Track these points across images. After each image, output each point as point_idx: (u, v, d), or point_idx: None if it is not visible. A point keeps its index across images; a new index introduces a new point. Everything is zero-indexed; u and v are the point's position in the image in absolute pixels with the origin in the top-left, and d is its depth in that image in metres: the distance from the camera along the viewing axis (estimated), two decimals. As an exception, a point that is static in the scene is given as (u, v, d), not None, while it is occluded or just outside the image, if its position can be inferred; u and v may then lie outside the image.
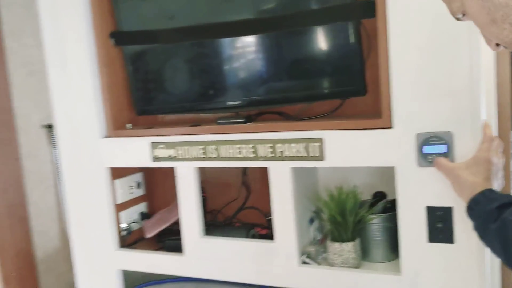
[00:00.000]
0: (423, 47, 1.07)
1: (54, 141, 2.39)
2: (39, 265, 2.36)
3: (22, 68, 2.29)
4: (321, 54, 1.26)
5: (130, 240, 1.58)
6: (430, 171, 1.09)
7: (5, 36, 2.20)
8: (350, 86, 1.22)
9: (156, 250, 1.51)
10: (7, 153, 2.18)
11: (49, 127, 2.40)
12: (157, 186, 1.72)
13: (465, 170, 1.00)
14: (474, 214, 0.94)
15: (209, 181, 1.60)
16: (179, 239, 1.43)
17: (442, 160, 1.05)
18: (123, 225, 1.56)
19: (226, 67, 1.37)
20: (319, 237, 1.39)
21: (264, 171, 1.31)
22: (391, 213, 1.25)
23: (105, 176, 1.50)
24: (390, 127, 1.12)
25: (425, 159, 1.09)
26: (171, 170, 1.42)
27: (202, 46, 1.38)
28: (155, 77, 1.47)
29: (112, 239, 1.51)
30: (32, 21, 2.33)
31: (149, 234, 1.51)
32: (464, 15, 0.71)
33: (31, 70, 2.33)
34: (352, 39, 1.20)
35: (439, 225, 1.10)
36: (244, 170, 1.52)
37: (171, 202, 1.68)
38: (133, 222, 1.60)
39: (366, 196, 1.33)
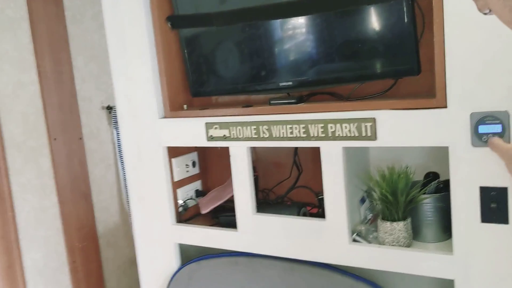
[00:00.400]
0: (479, 24, 1.05)
1: (114, 122, 2.51)
2: (100, 239, 2.50)
3: (83, 52, 2.40)
4: (373, 33, 1.25)
5: (186, 215, 1.65)
6: (485, 151, 1.07)
7: (68, 22, 2.32)
8: (403, 66, 1.21)
9: (211, 225, 1.58)
10: (71, 134, 2.31)
11: (109, 108, 2.52)
12: (210, 165, 1.79)
13: None
14: None
15: (260, 161, 1.64)
16: (233, 216, 1.49)
17: (497, 140, 1.03)
18: (180, 202, 1.64)
19: (277, 48, 1.39)
20: (369, 216, 1.41)
21: (315, 150, 1.33)
22: (443, 193, 1.24)
23: (163, 155, 1.57)
24: (445, 107, 1.11)
25: (480, 139, 1.07)
26: (224, 150, 1.47)
27: (254, 28, 1.41)
28: (209, 60, 1.52)
29: (170, 214, 1.59)
30: (92, 6, 2.45)
31: (205, 211, 1.57)
32: (490, 10, 0.71)
33: (91, 54, 2.45)
34: (405, 17, 1.18)
35: (493, 206, 1.09)
36: (295, 150, 1.55)
37: (224, 180, 1.74)
38: (189, 199, 1.67)
39: (418, 176, 1.33)
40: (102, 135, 2.51)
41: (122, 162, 2.57)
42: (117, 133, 2.54)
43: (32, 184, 2.15)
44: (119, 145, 2.55)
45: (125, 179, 2.58)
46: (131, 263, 2.69)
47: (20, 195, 2.10)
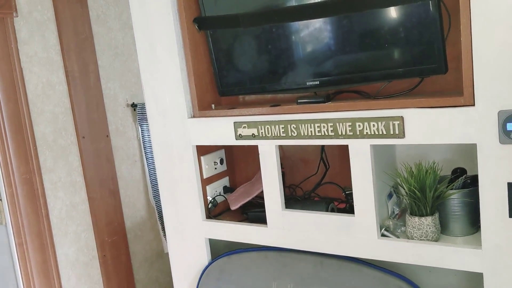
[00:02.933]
0: (506, 22, 1.06)
1: (138, 119, 2.57)
2: (128, 233, 2.57)
3: (108, 51, 2.46)
4: (400, 32, 1.27)
5: (216, 211, 1.70)
6: (513, 148, 1.10)
7: (92, 22, 2.37)
8: (430, 64, 1.23)
9: (240, 221, 1.63)
10: (99, 131, 2.37)
11: (134, 106, 2.57)
12: (237, 162, 1.83)
13: None
14: None
15: (287, 157, 1.68)
16: (262, 212, 1.53)
17: None
18: (209, 198, 1.69)
19: (303, 47, 1.42)
20: (397, 211, 1.44)
21: (341, 147, 1.37)
22: (471, 188, 1.27)
23: (193, 153, 1.61)
24: (472, 105, 1.13)
25: (508, 136, 1.10)
26: (250, 147, 1.50)
27: (281, 28, 1.44)
28: (236, 60, 1.55)
29: (201, 210, 1.64)
30: (116, 6, 2.49)
31: (235, 207, 1.62)
32: None
33: (115, 53, 2.50)
34: (432, 16, 1.20)
35: (522, 201, 1.11)
36: (322, 146, 1.58)
37: (251, 176, 1.78)
38: (217, 195, 1.72)
39: (445, 172, 1.36)
40: (128, 132, 2.57)
41: (147, 159, 2.63)
42: (142, 130, 2.60)
43: (63, 182, 2.22)
44: (144, 142, 2.61)
45: (150, 175, 2.64)
46: (158, 256, 2.76)
47: (52, 193, 2.17)
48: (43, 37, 2.15)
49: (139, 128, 2.59)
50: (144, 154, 2.62)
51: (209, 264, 1.66)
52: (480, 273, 1.20)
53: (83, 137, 2.29)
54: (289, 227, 1.47)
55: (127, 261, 2.55)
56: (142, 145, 2.61)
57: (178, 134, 1.62)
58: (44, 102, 2.15)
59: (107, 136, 2.42)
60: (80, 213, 2.29)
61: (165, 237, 2.73)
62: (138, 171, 2.63)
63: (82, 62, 2.30)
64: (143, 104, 2.59)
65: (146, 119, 2.59)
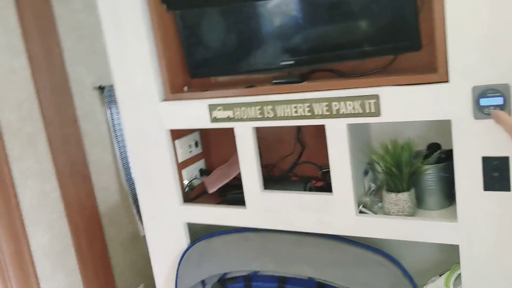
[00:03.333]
0: (479, -1, 1.07)
1: (107, 102, 2.50)
2: (103, 218, 2.53)
3: (72, 33, 2.37)
4: (373, 9, 1.26)
5: (193, 195, 1.69)
6: (487, 123, 1.12)
7: (54, 3, 2.27)
8: (404, 41, 1.23)
9: (218, 203, 1.62)
10: (66, 116, 2.30)
11: (101, 89, 2.50)
12: (212, 143, 1.81)
13: None
14: None
15: (263, 137, 1.67)
16: (240, 193, 1.52)
17: (503, 114, 1.07)
18: (185, 182, 1.67)
19: (276, 26, 1.40)
20: (373, 187, 1.46)
21: (317, 127, 1.36)
22: (445, 163, 1.29)
23: (166, 137, 1.58)
24: (447, 81, 1.14)
25: (482, 112, 1.11)
26: (225, 129, 1.49)
27: (251, 7, 1.41)
28: (207, 40, 1.52)
29: (177, 195, 1.62)
30: (77, -14, 2.39)
31: (212, 189, 1.61)
32: None
33: (80, 35, 2.41)
34: (404, -8, 1.20)
35: (495, 174, 1.14)
36: (298, 126, 1.58)
37: (227, 158, 1.77)
38: (194, 179, 1.70)
39: (420, 147, 1.38)
40: (97, 116, 2.50)
41: (118, 142, 2.57)
42: (111, 113, 2.54)
43: (32, 170, 2.15)
44: (114, 125, 2.55)
45: (122, 159, 2.60)
46: (134, 239, 2.74)
47: (22, 182, 2.10)
48: (3, 21, 2.05)
49: (108, 111, 2.53)
50: (114, 138, 2.57)
51: (189, 247, 1.65)
52: (456, 245, 1.24)
53: (50, 123, 2.22)
54: (268, 208, 1.47)
55: (103, 247, 2.52)
56: (112, 128, 2.56)
57: (150, 118, 1.59)
58: (7, 89, 2.06)
59: (75, 121, 2.35)
60: (52, 200, 2.24)
61: (140, 220, 2.71)
62: (109, 155, 2.58)
63: (45, 45, 2.21)
64: (111, 86, 2.52)
65: (114, 102, 2.53)
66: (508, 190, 1.13)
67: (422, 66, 1.32)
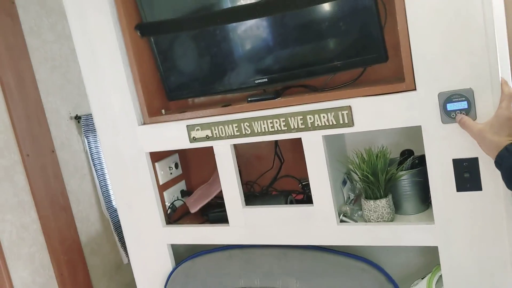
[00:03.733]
0: (438, 8, 1.13)
1: (84, 131, 2.50)
2: (84, 248, 2.50)
3: (45, 63, 2.38)
4: (339, 26, 1.31)
5: (175, 216, 1.70)
6: (454, 126, 1.17)
7: (26, 35, 2.28)
8: (371, 54, 1.29)
9: (200, 223, 1.63)
10: (43, 147, 2.29)
11: (77, 118, 2.50)
12: (192, 164, 1.83)
13: (489, 131, 1.07)
14: (501, 167, 1.05)
15: (241, 155, 1.70)
16: (222, 211, 1.54)
17: (468, 120, 1.12)
18: (167, 204, 1.68)
19: (249, 48, 1.44)
20: (352, 196, 1.50)
21: (294, 141, 1.40)
22: (419, 168, 1.34)
23: (146, 160, 1.60)
24: (414, 89, 1.20)
25: (449, 116, 1.17)
26: (204, 149, 1.51)
27: (221, 29, 1.45)
28: (182, 63, 1.55)
29: (160, 217, 1.63)
30: (48, 17, 2.42)
31: (194, 210, 1.62)
32: None
33: (53, 65, 2.42)
34: (368, 6, 1.25)
35: (466, 175, 1.19)
36: (276, 141, 1.61)
37: (207, 178, 1.79)
38: (175, 200, 1.71)
39: (394, 154, 1.43)
40: (74, 146, 2.50)
41: (96, 170, 2.57)
42: (88, 142, 2.53)
43: (10, 203, 2.13)
44: (92, 154, 2.55)
45: (101, 187, 2.59)
46: (117, 267, 2.71)
47: (0, 216, 2.07)
48: (-26, 55, 2.05)
49: (85, 140, 2.53)
50: (93, 166, 2.56)
51: (174, 269, 1.65)
52: (435, 246, 1.27)
53: (28, 154, 2.20)
54: (250, 224, 1.49)
55: (86, 277, 2.49)
56: (90, 157, 2.55)
57: (129, 143, 1.60)
58: (-19, 122, 2.06)
59: (53, 151, 2.34)
60: (32, 233, 2.21)
61: (123, 247, 2.69)
62: (88, 184, 2.57)
63: (19, 76, 2.21)
64: (88, 115, 2.53)
65: (92, 131, 2.53)
66: (480, 189, 1.18)
67: (390, 77, 1.38)
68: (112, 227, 2.66)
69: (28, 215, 2.20)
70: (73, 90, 2.51)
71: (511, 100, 1.07)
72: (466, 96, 1.14)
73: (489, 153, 1.09)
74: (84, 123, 2.50)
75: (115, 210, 2.60)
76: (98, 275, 2.58)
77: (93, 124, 2.44)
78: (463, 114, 1.15)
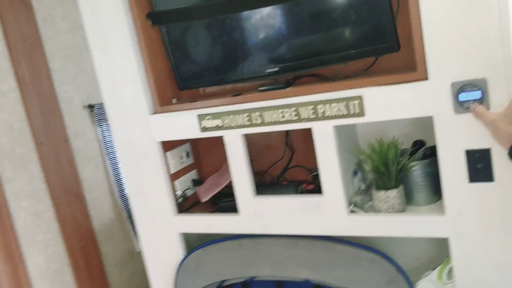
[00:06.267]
0: (452, -2, 1.11)
1: (97, 120, 2.52)
2: (98, 236, 2.54)
3: (58, 53, 2.39)
4: (351, 14, 1.30)
5: (186, 205, 1.71)
6: (467, 117, 1.16)
7: (39, 24, 2.29)
8: (383, 44, 1.27)
9: (211, 212, 1.64)
10: (57, 136, 2.31)
11: (91, 107, 2.52)
12: (203, 153, 1.84)
13: (503, 121, 1.05)
14: None
15: (252, 144, 1.70)
16: (232, 201, 1.55)
17: (482, 109, 1.11)
18: (179, 192, 1.69)
19: (258, 35, 1.44)
20: (363, 187, 1.49)
21: (305, 130, 1.40)
22: (431, 159, 1.33)
23: (158, 149, 1.61)
24: (426, 79, 1.18)
25: (461, 106, 1.15)
26: (215, 138, 1.52)
27: (233, 18, 1.44)
28: (194, 52, 1.55)
29: (171, 206, 1.64)
30: (61, 6, 2.43)
31: (205, 199, 1.63)
32: None
33: (66, 55, 2.44)
34: (381, -4, 1.24)
35: (479, 166, 1.17)
36: (287, 131, 1.61)
37: (218, 167, 1.79)
38: (187, 189, 1.72)
39: (406, 145, 1.41)
40: (87, 134, 2.52)
41: (110, 159, 2.59)
42: (102, 131, 2.56)
43: (25, 191, 2.16)
44: (105, 143, 2.57)
45: (114, 175, 2.61)
46: (130, 256, 2.74)
47: (15, 203, 2.11)
48: (-11, 44, 2.08)
49: (98, 129, 2.55)
50: (106, 155, 2.58)
51: (185, 258, 1.67)
52: (446, 238, 1.27)
53: (41, 143, 2.23)
54: (261, 213, 1.50)
55: (99, 265, 2.52)
56: (103, 145, 2.57)
57: (141, 132, 1.61)
58: (-3, 111, 2.08)
59: (66, 140, 2.37)
60: (46, 220, 2.24)
61: (135, 236, 2.72)
62: (101, 172, 2.59)
63: (33, 67, 2.23)
64: (101, 104, 2.54)
65: (104, 120, 2.55)
66: (492, 180, 1.17)
67: (402, 66, 1.36)
68: (125, 215, 2.69)
69: (43, 202, 2.23)
70: (86, 80, 2.53)
71: None
72: (480, 85, 1.12)
73: (502, 144, 1.07)
74: (97, 112, 2.52)
75: (128, 199, 2.63)
76: (112, 263, 2.61)
77: (106, 113, 2.46)
78: (476, 104, 1.13)
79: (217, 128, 1.47)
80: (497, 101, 1.11)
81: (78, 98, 2.48)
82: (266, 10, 1.39)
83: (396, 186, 1.34)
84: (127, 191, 2.61)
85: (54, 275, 2.27)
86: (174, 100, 1.62)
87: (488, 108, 1.12)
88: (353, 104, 1.27)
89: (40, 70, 2.26)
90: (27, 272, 2.13)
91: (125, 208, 2.67)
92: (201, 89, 1.73)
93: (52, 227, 2.27)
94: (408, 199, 1.38)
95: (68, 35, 2.45)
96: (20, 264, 2.09)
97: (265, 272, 1.52)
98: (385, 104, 1.24)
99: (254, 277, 1.58)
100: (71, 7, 2.47)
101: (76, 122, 2.46)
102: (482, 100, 1.13)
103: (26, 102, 2.18)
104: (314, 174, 1.57)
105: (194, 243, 1.70)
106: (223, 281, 1.64)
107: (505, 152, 1.06)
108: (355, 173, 1.47)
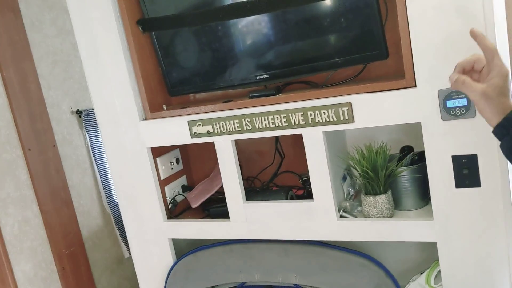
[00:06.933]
0: (439, 5, 1.13)
1: (85, 126, 2.51)
2: (86, 242, 2.52)
3: (46, 58, 2.38)
4: (340, 22, 1.31)
5: (176, 211, 1.71)
6: (454, 123, 1.18)
7: (27, 30, 2.28)
8: (372, 51, 1.29)
9: (201, 218, 1.64)
10: (45, 142, 2.30)
11: (79, 113, 2.51)
12: (193, 160, 1.85)
13: (494, 91, 0.90)
14: (509, 133, 0.90)
15: (242, 150, 1.71)
16: (223, 206, 1.55)
17: (468, 80, 0.94)
18: (168, 198, 1.69)
19: (250, 44, 1.45)
20: (352, 192, 1.51)
21: (295, 136, 1.41)
22: (419, 164, 1.35)
23: (148, 155, 1.61)
24: (414, 86, 1.20)
25: (448, 113, 1.18)
26: (205, 144, 1.52)
27: (224, 25, 1.46)
28: (184, 59, 1.56)
29: (161, 212, 1.64)
30: (49, 12, 2.42)
31: (195, 204, 1.63)
32: None
33: (54, 60, 2.43)
34: (370, 4, 1.26)
35: (465, 172, 1.20)
36: (277, 137, 1.62)
37: (208, 173, 1.80)
38: (177, 195, 1.72)
39: (394, 151, 1.44)
40: (75, 140, 2.51)
41: (98, 165, 2.58)
42: (89, 137, 2.55)
43: (12, 197, 2.14)
44: (93, 149, 2.56)
45: (102, 182, 2.60)
46: (119, 262, 2.73)
47: (2, 210, 2.09)
48: (-24, 49, 2.06)
49: (87, 135, 2.54)
50: (94, 161, 2.57)
51: (175, 264, 1.67)
52: (434, 242, 1.29)
53: (29, 149, 2.21)
54: (251, 219, 1.50)
55: (87, 271, 2.50)
56: (91, 152, 2.56)
57: (131, 138, 1.61)
58: (-16, 117, 2.06)
59: (54, 146, 2.35)
60: (34, 227, 2.23)
61: (124, 242, 2.70)
62: (90, 179, 2.58)
63: (21, 72, 2.21)
64: (89, 110, 2.53)
65: (93, 126, 2.54)
66: (479, 186, 1.19)
67: (391, 74, 1.38)
68: (113, 222, 2.68)
69: (30, 209, 2.22)
70: (74, 85, 2.52)
71: (497, 52, 0.91)
72: (466, 93, 1.14)
73: (492, 116, 0.92)
74: (85, 117, 2.51)
75: (116, 205, 2.62)
76: (100, 269, 2.60)
77: (94, 119, 2.46)
78: (462, 110, 1.16)
79: (208, 134, 1.48)
80: (483, 108, 1.13)
81: (66, 104, 2.47)
82: (255, 18, 1.41)
83: (384, 191, 1.35)
84: (115, 197, 2.60)
85: (42, 282, 2.25)
86: (164, 106, 1.62)
87: (474, 115, 1.15)
88: (343, 110, 1.29)
89: (27, 75, 2.25)
90: (15, 279, 2.11)
91: (113, 214, 2.66)
92: (191, 95, 1.73)
93: (40, 233, 2.25)
94: (396, 204, 1.39)
95: (56, 40, 2.44)
96: (7, 271, 2.07)
97: (256, 277, 1.53)
98: (374, 111, 1.26)
99: (245, 283, 1.59)
100: (59, 12, 2.47)
101: (64, 128, 2.45)
102: (468, 107, 1.15)
103: (13, 107, 2.17)
104: (304, 179, 1.58)
105: (184, 249, 1.70)
106: (213, 287, 1.64)
107: (491, 158, 1.08)
108: (344, 178, 1.49)
